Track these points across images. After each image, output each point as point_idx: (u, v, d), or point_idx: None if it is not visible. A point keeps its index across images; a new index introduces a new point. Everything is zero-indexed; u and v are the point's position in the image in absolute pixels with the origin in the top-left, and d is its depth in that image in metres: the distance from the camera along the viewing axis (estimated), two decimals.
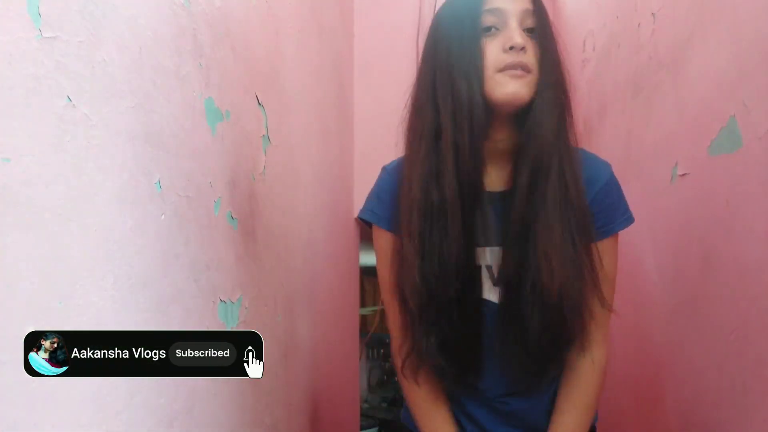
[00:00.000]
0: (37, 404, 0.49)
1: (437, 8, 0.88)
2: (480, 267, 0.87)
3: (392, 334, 0.95)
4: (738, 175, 0.97)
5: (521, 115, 0.82)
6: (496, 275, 0.87)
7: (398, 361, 0.93)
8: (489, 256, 0.87)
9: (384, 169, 0.97)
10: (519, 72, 0.78)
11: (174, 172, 0.74)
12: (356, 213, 2.34)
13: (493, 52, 0.79)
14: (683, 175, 1.18)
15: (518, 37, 0.78)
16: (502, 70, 0.79)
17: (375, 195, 0.96)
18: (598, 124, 1.77)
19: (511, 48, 0.78)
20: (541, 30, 0.82)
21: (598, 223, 0.86)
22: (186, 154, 0.78)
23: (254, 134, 1.07)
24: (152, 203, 0.68)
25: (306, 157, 1.49)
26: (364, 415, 3.79)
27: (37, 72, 0.50)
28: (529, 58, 0.79)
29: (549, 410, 0.94)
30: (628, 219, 0.91)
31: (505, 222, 0.84)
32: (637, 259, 1.42)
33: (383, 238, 0.93)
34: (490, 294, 0.88)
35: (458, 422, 0.96)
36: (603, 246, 0.87)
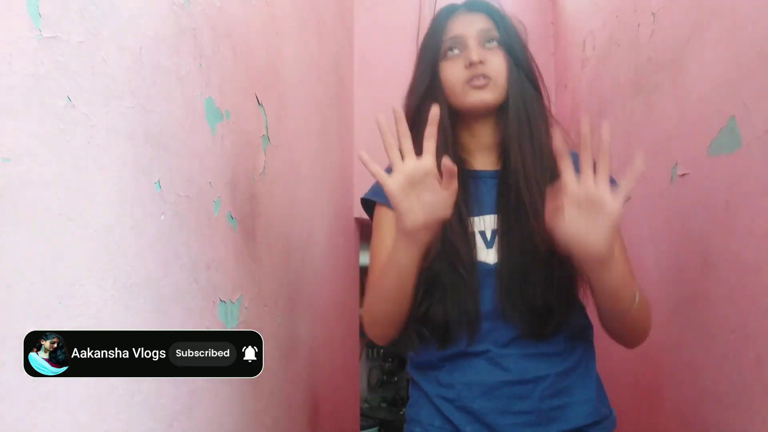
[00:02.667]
0: (37, 404, 0.49)
1: (422, 21, 1.05)
2: (474, 233, 0.97)
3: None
4: (738, 175, 0.97)
5: (500, 112, 0.98)
6: (488, 239, 0.97)
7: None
8: (482, 223, 0.98)
9: None
10: (480, 82, 0.94)
11: (174, 172, 0.74)
12: (356, 213, 2.34)
13: (457, 69, 0.96)
14: (683, 175, 1.18)
15: (474, 55, 0.94)
16: (467, 82, 0.95)
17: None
18: (598, 124, 1.77)
19: (471, 64, 0.94)
20: (503, 40, 0.97)
21: None
22: (186, 154, 0.78)
23: (254, 134, 1.07)
24: (152, 203, 0.68)
25: (306, 157, 1.49)
26: (364, 415, 3.79)
27: (37, 72, 0.50)
28: (489, 67, 0.95)
29: (551, 394, 0.94)
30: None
31: (498, 194, 0.98)
32: (637, 259, 1.42)
33: (388, 214, 0.99)
34: (486, 256, 0.96)
35: (454, 423, 0.96)
36: None
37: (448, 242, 0.93)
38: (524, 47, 1.00)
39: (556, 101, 2.33)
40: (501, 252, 0.95)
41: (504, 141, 0.99)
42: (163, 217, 0.71)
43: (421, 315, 0.94)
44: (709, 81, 1.08)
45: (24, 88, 0.48)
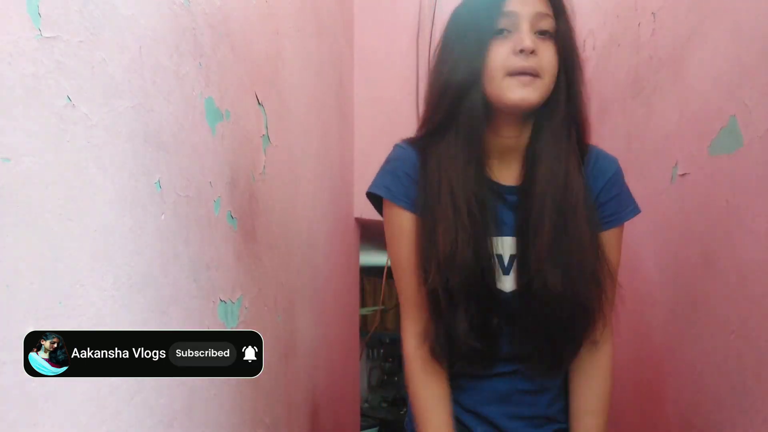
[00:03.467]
0: (37, 404, 0.49)
1: (457, 4, 0.90)
2: (492, 256, 0.88)
3: (407, 313, 0.92)
4: (738, 175, 0.97)
5: (531, 113, 0.85)
6: (506, 264, 0.89)
7: (410, 342, 0.91)
8: (500, 246, 0.88)
9: (398, 146, 0.93)
10: (527, 79, 0.80)
11: (174, 172, 0.74)
12: (356, 213, 2.34)
13: (503, 54, 0.80)
14: (683, 174, 1.18)
15: (528, 41, 0.79)
16: (511, 74, 0.80)
17: (389, 172, 0.92)
18: (598, 124, 1.77)
19: (521, 51, 0.79)
20: (558, 33, 0.83)
21: (605, 212, 0.90)
22: (186, 154, 0.78)
23: (254, 134, 1.07)
24: (152, 203, 0.68)
25: (306, 157, 1.49)
26: (364, 415, 3.79)
27: (37, 72, 0.50)
28: (539, 61, 0.80)
29: (557, 398, 0.94)
30: (634, 209, 0.93)
31: (517, 215, 0.87)
32: (637, 258, 1.42)
33: (401, 216, 0.90)
34: (502, 283, 0.88)
35: (465, 425, 0.96)
36: (609, 236, 0.90)
37: (467, 265, 0.83)
38: (576, 43, 0.86)
39: None
40: (519, 281, 0.87)
41: (533, 149, 0.86)
42: (163, 217, 0.71)
43: (440, 336, 0.87)
44: (709, 80, 1.08)
45: (24, 88, 0.48)
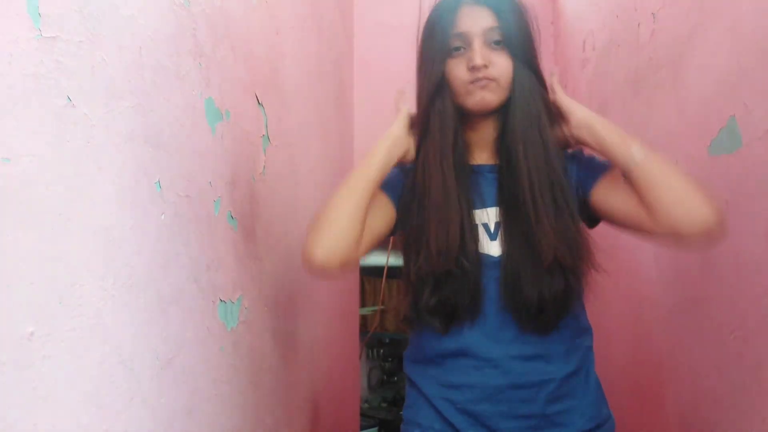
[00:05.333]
0: (37, 404, 0.49)
1: (422, 21, 1.03)
2: (477, 225, 0.98)
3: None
4: (738, 175, 0.97)
5: (503, 108, 0.97)
6: (492, 231, 0.98)
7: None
8: (484, 216, 0.99)
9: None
10: (484, 82, 0.93)
11: (174, 172, 0.74)
12: None
13: (461, 70, 0.94)
14: None
15: (477, 58, 0.92)
16: (471, 82, 0.93)
17: None
18: None
19: (474, 68, 0.92)
20: (509, 41, 0.94)
21: (584, 174, 0.99)
22: (186, 154, 0.78)
23: (254, 134, 1.07)
24: (152, 203, 0.68)
25: (306, 157, 1.49)
26: (364, 415, 3.79)
27: (37, 72, 0.50)
28: (493, 70, 0.93)
29: (555, 397, 0.94)
30: (604, 163, 1.00)
31: (498, 188, 0.99)
32: (637, 259, 1.42)
33: (381, 197, 1.01)
34: (489, 248, 0.97)
35: (457, 428, 0.96)
36: (608, 181, 0.96)
37: (453, 235, 0.93)
38: (530, 39, 0.98)
39: None
40: (505, 244, 0.96)
41: (506, 136, 0.98)
42: (163, 217, 0.71)
43: (432, 306, 0.95)
44: (709, 81, 1.08)
45: (24, 88, 0.48)
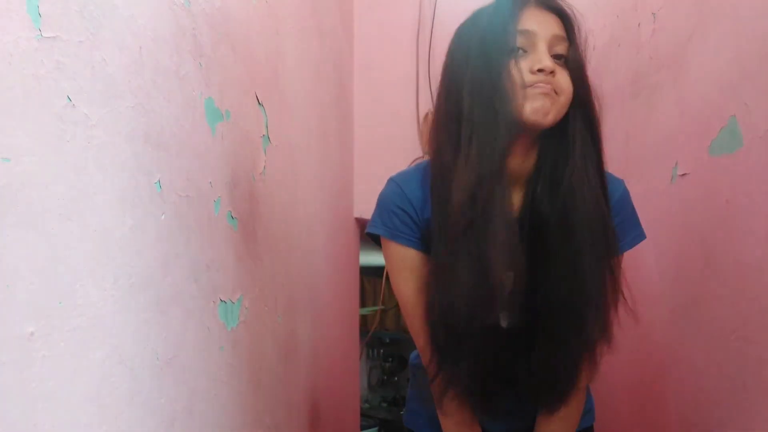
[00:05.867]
0: (37, 404, 0.49)
1: (461, 22, 0.86)
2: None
3: (425, 356, 0.90)
4: (738, 175, 0.97)
5: (540, 139, 0.82)
6: (515, 299, 0.85)
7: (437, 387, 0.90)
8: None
9: (392, 180, 0.91)
10: (548, 88, 0.77)
11: (174, 172, 0.74)
12: (356, 213, 2.34)
13: (521, 73, 0.77)
14: (683, 175, 1.18)
15: (547, 60, 0.77)
16: (530, 86, 0.77)
17: (383, 208, 0.90)
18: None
19: (540, 70, 0.77)
20: (572, 57, 0.81)
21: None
22: (186, 154, 0.77)
23: (254, 134, 1.07)
24: (152, 203, 0.68)
25: (306, 157, 1.49)
26: (364, 415, 3.79)
27: (37, 72, 0.50)
28: (557, 81, 0.78)
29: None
30: (638, 236, 0.91)
31: (523, 247, 0.82)
32: (637, 259, 1.42)
33: (401, 252, 0.88)
34: (501, 320, 0.87)
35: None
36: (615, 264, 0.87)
37: (468, 299, 0.80)
38: (586, 72, 0.84)
39: None
40: (520, 319, 0.85)
41: (537, 175, 0.82)
42: (163, 217, 0.71)
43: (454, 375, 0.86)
44: (709, 81, 1.08)
45: (24, 88, 0.48)
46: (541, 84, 0.77)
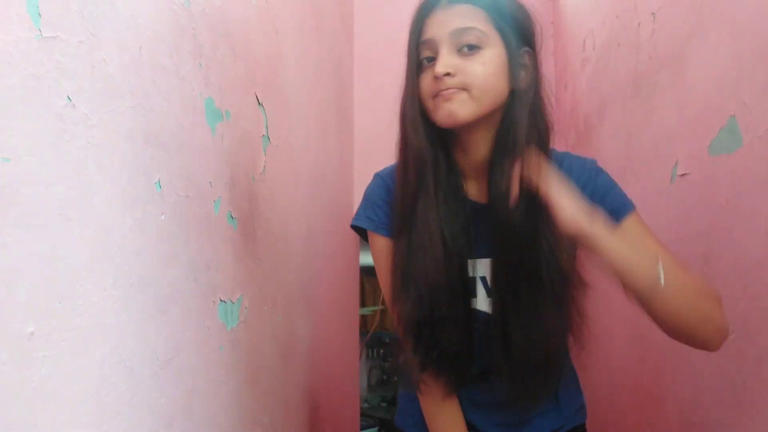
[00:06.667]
0: (37, 404, 0.49)
1: None
2: (474, 278, 0.88)
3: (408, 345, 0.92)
4: (738, 175, 0.97)
5: (486, 125, 0.84)
6: (489, 285, 0.88)
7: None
8: (482, 268, 0.88)
9: (377, 175, 0.98)
10: (449, 92, 0.79)
11: (174, 172, 0.74)
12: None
13: (427, 82, 0.82)
14: (683, 174, 1.18)
15: (439, 67, 0.79)
16: (435, 96, 0.81)
17: (369, 201, 0.95)
18: (598, 124, 1.77)
19: (435, 78, 0.80)
20: (486, 41, 0.80)
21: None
22: (186, 154, 0.78)
23: (254, 134, 1.07)
24: (152, 203, 0.68)
25: (306, 157, 1.49)
26: (364, 415, 3.79)
27: (37, 72, 0.50)
28: (462, 78, 0.79)
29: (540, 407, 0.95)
30: (624, 207, 0.88)
31: (493, 234, 0.85)
32: None
33: (381, 243, 0.92)
34: (484, 304, 0.89)
35: None
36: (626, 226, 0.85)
37: (444, 286, 0.83)
38: (526, 36, 0.83)
39: (556, 101, 2.33)
40: (495, 303, 0.87)
41: (494, 161, 0.84)
42: (163, 217, 0.71)
43: (433, 359, 0.88)
44: (709, 80, 1.08)
45: (24, 88, 0.48)
46: (441, 92, 0.80)
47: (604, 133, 1.71)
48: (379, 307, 3.83)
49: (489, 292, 0.88)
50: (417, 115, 0.83)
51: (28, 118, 0.49)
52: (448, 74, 0.79)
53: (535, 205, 0.78)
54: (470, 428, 0.96)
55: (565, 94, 2.21)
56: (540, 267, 0.81)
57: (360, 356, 2.77)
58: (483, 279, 0.89)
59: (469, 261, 0.87)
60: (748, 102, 0.94)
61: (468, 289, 0.87)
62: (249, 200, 1.02)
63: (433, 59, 0.82)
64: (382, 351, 5.44)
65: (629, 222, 0.85)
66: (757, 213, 0.92)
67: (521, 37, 0.83)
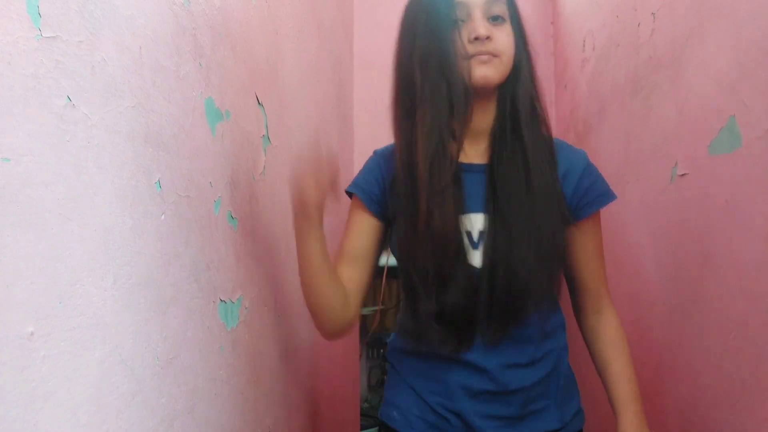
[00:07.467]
0: (37, 404, 0.49)
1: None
2: (461, 233, 0.93)
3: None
4: (738, 175, 0.97)
5: (494, 95, 0.92)
6: (475, 240, 0.93)
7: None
8: (468, 223, 0.93)
9: (375, 152, 1.07)
10: (485, 58, 0.87)
11: (174, 172, 0.74)
12: None
13: (463, 44, 0.87)
14: (683, 175, 1.18)
15: (481, 28, 0.86)
16: (471, 57, 0.87)
17: (365, 170, 1.06)
18: (598, 124, 1.77)
19: (476, 39, 0.86)
20: (511, 15, 0.90)
21: (581, 203, 0.96)
22: (186, 154, 0.78)
23: (254, 134, 1.07)
24: (152, 203, 0.68)
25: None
26: (364, 415, 3.79)
27: (36, 72, 0.50)
28: (495, 44, 0.87)
29: (532, 399, 0.97)
30: (608, 194, 0.99)
31: (487, 191, 0.93)
32: (637, 258, 1.42)
33: (358, 212, 1.01)
34: (471, 258, 0.93)
35: (445, 418, 0.97)
36: (587, 224, 0.97)
37: (437, 241, 0.89)
38: (523, 28, 0.94)
39: (555, 101, 2.33)
40: (486, 256, 0.91)
41: (498, 128, 0.93)
42: (163, 217, 0.71)
43: (436, 312, 0.92)
44: (709, 80, 1.08)
45: (24, 88, 0.48)
46: (480, 54, 0.87)
47: (603, 133, 1.71)
48: (379, 307, 3.83)
49: (474, 245, 0.92)
50: (459, 77, 0.87)
51: (28, 118, 0.49)
52: (488, 38, 0.86)
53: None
54: (462, 420, 0.96)
55: (565, 94, 2.21)
56: (534, 217, 0.89)
57: (360, 356, 2.77)
58: (468, 234, 0.93)
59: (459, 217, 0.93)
60: (748, 102, 0.94)
61: (461, 242, 0.92)
62: (249, 200, 1.02)
63: (460, 22, 0.88)
64: (382, 351, 5.44)
65: (592, 220, 0.97)
66: (756, 213, 0.92)
67: (518, 20, 0.93)
